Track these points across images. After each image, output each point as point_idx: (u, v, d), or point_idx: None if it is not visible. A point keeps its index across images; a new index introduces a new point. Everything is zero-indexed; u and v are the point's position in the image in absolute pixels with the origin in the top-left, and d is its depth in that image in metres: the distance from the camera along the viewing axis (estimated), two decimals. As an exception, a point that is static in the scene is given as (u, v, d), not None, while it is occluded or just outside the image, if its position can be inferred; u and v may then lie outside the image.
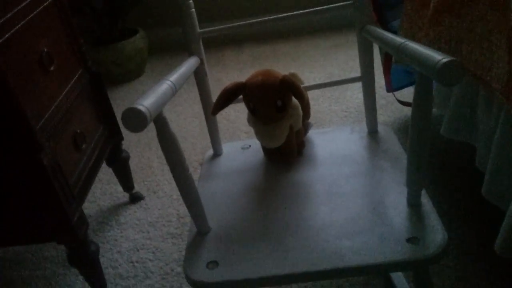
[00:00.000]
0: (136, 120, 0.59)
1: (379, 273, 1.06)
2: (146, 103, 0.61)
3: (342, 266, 0.67)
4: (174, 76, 0.73)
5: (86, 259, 1.04)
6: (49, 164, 0.92)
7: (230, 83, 0.83)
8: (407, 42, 0.67)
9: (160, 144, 0.68)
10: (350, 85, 1.78)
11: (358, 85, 1.75)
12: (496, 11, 0.81)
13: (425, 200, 0.74)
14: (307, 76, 1.96)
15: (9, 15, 0.87)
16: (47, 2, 1.03)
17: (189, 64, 0.85)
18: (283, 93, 0.81)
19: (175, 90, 0.71)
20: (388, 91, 1.49)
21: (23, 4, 0.93)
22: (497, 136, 0.83)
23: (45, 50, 1.00)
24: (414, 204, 0.74)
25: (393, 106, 1.62)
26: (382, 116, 1.57)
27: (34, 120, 0.91)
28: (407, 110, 1.56)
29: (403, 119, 1.56)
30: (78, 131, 1.09)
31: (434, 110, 1.33)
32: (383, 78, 1.44)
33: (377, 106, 1.46)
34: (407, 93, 1.59)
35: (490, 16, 0.83)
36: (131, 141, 1.73)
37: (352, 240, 0.70)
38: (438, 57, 0.57)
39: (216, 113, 0.84)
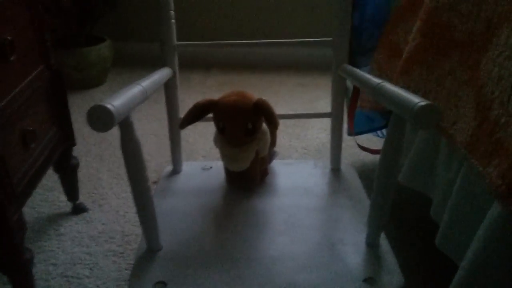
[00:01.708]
0: (103, 118, 0.55)
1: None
2: (116, 103, 0.57)
3: (297, 301, 0.64)
4: (147, 82, 0.71)
5: (18, 266, 0.95)
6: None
7: (203, 99, 0.81)
8: (384, 83, 0.68)
9: (122, 149, 0.64)
10: (312, 124, 1.80)
11: (320, 125, 1.80)
12: (467, 68, 0.85)
13: (384, 242, 0.74)
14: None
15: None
16: (18, -10, 0.98)
17: (162, 74, 0.83)
18: (255, 116, 0.80)
19: (145, 96, 0.68)
20: (349, 134, 1.52)
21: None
22: (455, 189, 0.85)
23: (8, 38, 0.94)
24: (372, 244, 0.73)
25: (352, 150, 1.65)
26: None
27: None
28: (364, 156, 1.59)
29: (360, 164, 1.59)
30: (30, 128, 1.02)
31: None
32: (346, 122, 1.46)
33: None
34: (365, 139, 1.62)
35: (459, 72, 0.87)
36: (82, 150, 1.65)
37: (309, 275, 0.68)
38: (416, 100, 0.59)
39: (184, 127, 0.82)
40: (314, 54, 2.40)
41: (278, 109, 1.96)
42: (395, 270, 0.68)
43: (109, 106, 0.56)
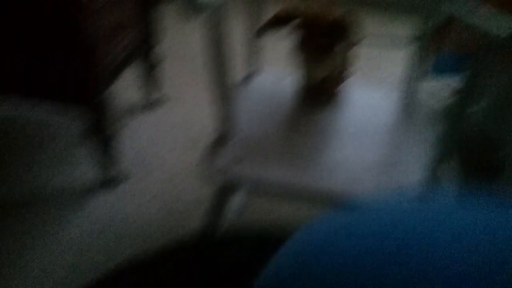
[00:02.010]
0: (197, 4, 0.59)
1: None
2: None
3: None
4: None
5: (105, 134, 1.08)
6: (90, 36, 0.93)
7: (285, 7, 0.81)
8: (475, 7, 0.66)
9: (210, 33, 0.67)
10: (394, 59, 1.75)
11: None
12: None
13: (442, 174, 0.75)
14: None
15: None
16: None
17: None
18: (334, 32, 0.80)
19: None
20: (430, 76, 1.47)
21: None
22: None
23: None
24: (430, 174, 0.74)
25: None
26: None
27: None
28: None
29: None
30: (121, 19, 1.09)
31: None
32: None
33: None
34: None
35: None
36: (167, 48, 1.72)
37: (363, 184, 0.72)
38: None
39: (262, 35, 0.84)
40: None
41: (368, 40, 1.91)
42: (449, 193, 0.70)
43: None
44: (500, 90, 0.99)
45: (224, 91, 0.74)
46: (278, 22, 0.82)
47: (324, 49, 0.81)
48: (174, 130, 1.33)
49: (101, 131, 1.07)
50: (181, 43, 1.78)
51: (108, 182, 1.16)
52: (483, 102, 1.08)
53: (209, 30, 0.67)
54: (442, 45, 1.34)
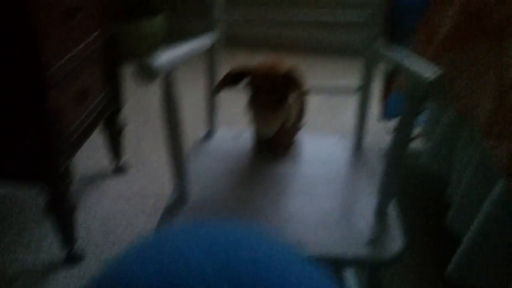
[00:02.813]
0: (149, 70, 0.64)
1: (336, 266, 1.11)
2: (162, 57, 0.66)
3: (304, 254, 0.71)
4: (192, 44, 0.79)
5: (64, 209, 1.07)
6: (52, 108, 0.96)
7: (237, 66, 0.88)
8: (409, 55, 0.73)
9: (163, 101, 0.72)
10: (348, 105, 1.84)
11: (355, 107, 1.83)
12: (493, 55, 0.88)
13: (392, 212, 0.79)
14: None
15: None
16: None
17: (206, 39, 0.91)
18: (285, 85, 0.85)
19: (189, 55, 0.76)
20: (381, 118, 1.55)
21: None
22: (469, 171, 0.89)
23: (71, 4, 1.05)
24: (381, 212, 0.79)
25: (380, 136, 1.68)
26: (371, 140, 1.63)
27: (47, 65, 0.95)
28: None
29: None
30: (84, 87, 1.13)
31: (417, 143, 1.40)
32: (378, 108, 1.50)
33: (369, 129, 1.51)
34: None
35: (486, 58, 0.90)
36: (129, 114, 1.76)
37: (317, 235, 0.75)
38: (432, 69, 0.64)
39: (217, 93, 0.89)
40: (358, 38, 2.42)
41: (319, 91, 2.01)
42: (398, 237, 0.74)
43: (155, 60, 0.64)
44: (443, 130, 1.07)
45: (179, 154, 0.77)
46: (231, 80, 0.88)
47: (276, 103, 0.87)
48: (137, 197, 1.34)
49: (62, 206, 1.07)
50: (144, 106, 1.83)
51: (71, 258, 1.14)
52: (430, 142, 1.15)
53: (163, 94, 0.72)
54: (392, 88, 1.44)
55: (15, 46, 0.91)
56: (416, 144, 1.55)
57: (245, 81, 0.89)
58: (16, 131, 0.99)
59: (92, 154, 1.54)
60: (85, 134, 1.17)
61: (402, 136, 0.72)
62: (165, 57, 0.67)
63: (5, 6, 0.86)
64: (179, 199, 0.81)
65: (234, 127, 1.61)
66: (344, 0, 2.45)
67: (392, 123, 1.59)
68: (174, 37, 2.53)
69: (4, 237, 1.19)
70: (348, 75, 2.24)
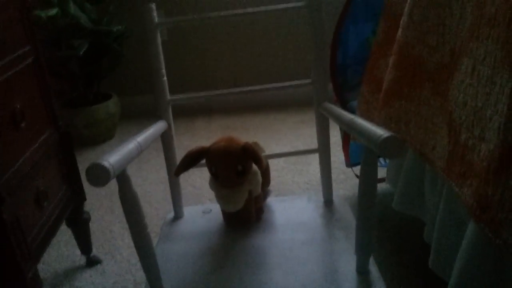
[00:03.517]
0: (100, 175, 0.62)
1: None
2: (111, 159, 0.64)
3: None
4: (141, 137, 0.78)
5: None
6: (8, 219, 0.91)
7: (195, 147, 0.88)
8: (355, 119, 0.75)
9: (121, 200, 0.71)
10: (313, 159, 1.85)
11: (321, 159, 1.85)
12: (438, 96, 0.91)
13: (373, 267, 0.78)
14: (273, 148, 2.03)
15: (-13, 72, 0.91)
16: (27, 62, 1.08)
17: (157, 127, 0.90)
18: (244, 159, 0.86)
19: (140, 150, 0.75)
20: (347, 166, 1.57)
21: (3, 61, 0.98)
22: (440, 211, 0.89)
23: (18, 107, 1.03)
24: (362, 271, 0.77)
25: (352, 181, 1.69)
26: (342, 190, 1.63)
27: (1, 171, 0.92)
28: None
29: (362, 194, 1.63)
30: (41, 188, 1.10)
31: (387, 185, 1.41)
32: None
33: (338, 180, 1.52)
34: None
35: (433, 101, 0.93)
36: (93, 204, 1.72)
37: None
38: (380, 132, 0.64)
39: (179, 174, 0.88)
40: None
41: (281, 147, 2.04)
42: (384, 294, 0.72)
43: (105, 163, 0.63)
44: (407, 173, 1.08)
45: (147, 248, 0.75)
46: (190, 161, 0.88)
47: (237, 178, 0.86)
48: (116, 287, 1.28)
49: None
50: (106, 193, 1.79)
51: None
52: (397, 185, 1.16)
53: (120, 191, 0.70)
54: (350, 139, 1.46)
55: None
56: (386, 186, 1.56)
57: (204, 160, 0.88)
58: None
59: (62, 249, 1.47)
60: (49, 235, 1.12)
61: (366, 189, 0.72)
62: (117, 155, 0.66)
63: None
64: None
65: (202, 203, 1.59)
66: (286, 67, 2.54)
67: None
68: (129, 116, 2.55)
69: None
70: (307, 125, 2.28)
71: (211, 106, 2.60)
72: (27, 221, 1.02)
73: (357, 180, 1.63)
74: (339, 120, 0.82)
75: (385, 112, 1.10)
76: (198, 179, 1.79)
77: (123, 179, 0.69)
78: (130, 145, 0.73)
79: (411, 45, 1.00)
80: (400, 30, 1.00)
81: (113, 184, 0.65)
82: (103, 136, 2.32)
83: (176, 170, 0.88)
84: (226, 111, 2.56)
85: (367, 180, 0.71)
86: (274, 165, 1.75)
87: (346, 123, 0.76)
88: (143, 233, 0.74)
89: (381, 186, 1.57)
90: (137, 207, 0.72)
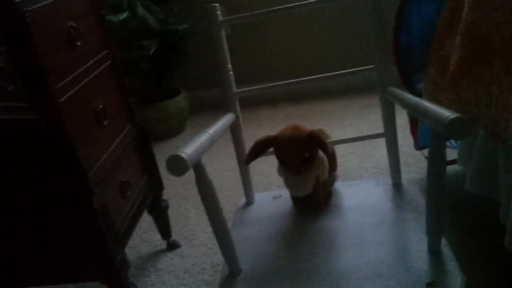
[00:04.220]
0: (179, 165, 0.68)
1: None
2: (188, 151, 0.70)
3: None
4: (212, 129, 0.83)
5: None
6: (98, 208, 1.02)
7: (262, 136, 0.92)
8: (421, 102, 0.75)
9: (198, 188, 0.77)
10: (380, 143, 1.83)
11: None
12: (508, 74, 0.88)
13: (445, 248, 0.78)
14: (339, 134, 2.04)
15: (73, 75, 1.01)
16: (105, 65, 1.18)
17: (226, 119, 0.96)
18: (310, 146, 0.89)
19: (212, 141, 0.80)
20: (416, 149, 1.54)
21: (86, 65, 1.08)
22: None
23: (101, 106, 1.13)
24: (433, 251, 0.78)
25: (422, 163, 1.66)
26: (411, 173, 1.61)
27: (87, 167, 1.02)
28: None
29: (433, 177, 1.60)
30: (125, 179, 1.20)
31: (459, 167, 1.37)
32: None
33: (407, 163, 1.51)
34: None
35: (504, 78, 0.90)
36: (170, 192, 1.82)
37: (374, 284, 0.74)
38: (447, 114, 0.65)
39: (249, 163, 0.93)
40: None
41: (346, 133, 2.04)
42: (457, 273, 0.72)
43: (182, 154, 0.69)
44: (479, 154, 1.06)
45: (223, 231, 0.80)
46: (258, 150, 0.92)
47: (304, 165, 0.89)
48: (195, 269, 1.37)
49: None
50: (183, 183, 1.89)
51: None
52: (469, 167, 1.13)
53: (196, 180, 0.76)
54: (418, 121, 1.44)
55: (56, 156, 0.98)
56: (458, 167, 1.52)
57: (273, 148, 0.92)
58: (68, 234, 1.05)
59: (144, 235, 1.59)
60: (133, 222, 1.22)
61: (435, 171, 0.72)
62: (192, 147, 0.71)
63: (39, 121, 0.94)
64: (231, 273, 0.83)
65: (271, 189, 1.64)
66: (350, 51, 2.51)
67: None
68: (198, 110, 2.66)
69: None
70: (374, 109, 2.25)
71: (276, 96, 2.64)
72: (114, 209, 1.12)
73: (426, 163, 1.60)
74: (404, 104, 0.82)
75: (454, 93, 1.08)
76: (266, 167, 1.84)
77: (199, 169, 0.75)
78: (203, 137, 0.78)
79: (477, 24, 0.97)
80: (466, 9, 0.97)
81: (187, 174, 0.70)
82: (175, 130, 2.44)
83: (246, 158, 0.92)
84: (290, 100, 2.59)
85: (436, 161, 0.72)
86: (340, 150, 1.75)
87: (412, 106, 0.76)
88: (219, 218, 0.79)
89: (453, 168, 1.53)
90: (212, 194, 0.78)
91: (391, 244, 0.83)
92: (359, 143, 1.89)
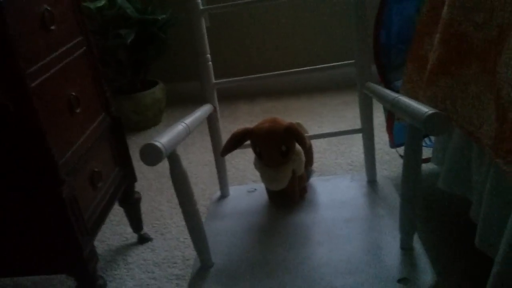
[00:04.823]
0: (153, 154, 0.66)
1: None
2: (163, 140, 0.68)
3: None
4: (189, 119, 0.81)
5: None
6: (67, 197, 0.98)
7: (239, 128, 0.90)
8: (399, 97, 0.75)
9: (172, 179, 0.75)
10: (356, 140, 1.85)
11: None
12: (486, 74, 0.89)
13: (417, 244, 0.78)
14: (316, 131, 2.04)
15: (46, 60, 0.97)
16: (80, 51, 1.15)
17: (203, 110, 0.94)
18: (287, 139, 0.88)
19: (188, 131, 0.78)
20: (391, 147, 1.55)
21: (60, 51, 1.04)
22: (487, 189, 0.88)
23: (73, 94, 1.09)
24: (406, 247, 0.78)
25: (396, 162, 1.67)
26: (386, 171, 1.62)
27: (57, 156, 0.99)
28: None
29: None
30: (96, 169, 1.16)
31: (432, 165, 1.39)
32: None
33: (381, 161, 1.52)
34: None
35: (481, 78, 0.91)
36: (143, 185, 1.79)
37: (346, 279, 0.74)
38: (425, 109, 0.65)
39: (225, 155, 0.91)
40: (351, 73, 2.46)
41: (323, 129, 2.04)
42: (428, 270, 0.73)
43: (157, 143, 0.66)
44: (453, 153, 1.07)
45: (196, 223, 0.78)
46: (235, 142, 0.91)
47: (281, 158, 0.89)
48: (165, 263, 1.35)
49: (93, 285, 1.08)
50: (156, 176, 1.87)
51: None
52: (443, 165, 1.14)
53: (170, 171, 0.74)
54: (395, 119, 1.45)
55: (25, 142, 0.94)
56: (432, 166, 1.54)
57: (248, 142, 0.91)
58: (36, 224, 1.01)
59: (114, 227, 1.56)
60: (103, 214, 1.19)
61: (411, 168, 0.72)
62: (167, 136, 0.70)
63: (8, 106, 0.90)
64: (202, 266, 0.82)
65: (246, 183, 1.63)
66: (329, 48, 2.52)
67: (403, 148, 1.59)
68: (175, 102, 2.62)
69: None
70: (351, 106, 2.26)
71: (254, 91, 2.63)
72: (83, 200, 1.09)
73: (401, 161, 1.62)
74: (383, 99, 0.82)
75: (430, 90, 1.08)
76: (242, 161, 1.82)
77: (173, 159, 0.73)
78: (179, 127, 0.77)
79: (457, 22, 0.97)
80: (445, 8, 0.98)
81: (161, 167, 0.69)
82: (150, 121, 2.40)
83: (222, 150, 0.91)
84: (268, 95, 2.58)
85: (412, 158, 0.72)
86: (316, 146, 1.76)
87: (390, 101, 0.76)
88: (192, 209, 0.77)
89: (427, 167, 1.55)
90: (186, 185, 0.76)
91: (364, 240, 0.83)
92: (335, 140, 1.90)
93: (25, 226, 1.02)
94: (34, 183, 0.98)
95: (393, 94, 0.78)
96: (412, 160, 0.72)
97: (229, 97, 2.51)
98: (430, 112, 0.63)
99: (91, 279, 1.07)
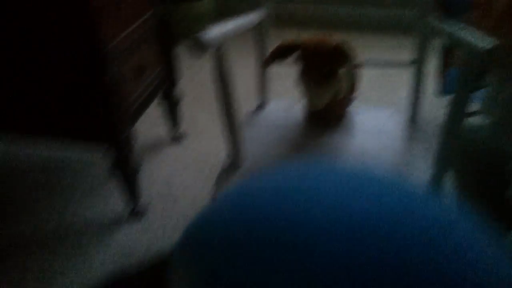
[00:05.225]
0: (200, 44, 0.66)
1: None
2: (210, 33, 0.68)
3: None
4: (240, 20, 0.80)
5: (128, 169, 1.15)
6: (113, 79, 1.02)
7: (286, 39, 0.88)
8: (461, 28, 0.71)
9: (214, 75, 0.75)
10: (403, 83, 1.79)
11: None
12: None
13: (447, 184, 0.78)
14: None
15: None
16: None
17: (257, 13, 0.92)
18: (334, 59, 0.85)
19: (237, 31, 0.77)
20: (438, 95, 1.50)
21: None
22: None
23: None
24: (435, 183, 0.77)
25: (439, 112, 1.63)
26: (427, 114, 1.59)
27: (107, 40, 1.00)
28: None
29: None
30: (140, 63, 1.18)
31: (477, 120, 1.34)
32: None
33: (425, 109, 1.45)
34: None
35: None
36: (184, 90, 1.82)
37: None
38: (487, 42, 0.61)
39: (268, 65, 0.89)
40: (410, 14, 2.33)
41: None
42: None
43: (205, 34, 0.66)
44: (503, 106, 1.02)
45: (233, 122, 0.80)
46: (280, 53, 0.88)
47: (326, 76, 0.86)
48: (194, 163, 1.40)
49: (126, 167, 1.14)
50: (198, 82, 1.88)
51: (134, 214, 1.23)
52: (493, 115, 1.10)
53: (214, 67, 0.74)
54: (450, 63, 1.39)
55: (76, 28, 0.96)
56: (475, 120, 1.48)
57: (295, 54, 0.89)
58: (82, 99, 1.06)
59: (151, 125, 1.61)
60: (144, 105, 1.23)
61: (458, 108, 0.70)
62: (215, 31, 0.69)
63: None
64: (233, 164, 0.84)
65: (286, 99, 1.63)
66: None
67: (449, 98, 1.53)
68: (223, 17, 2.56)
69: (74, 195, 1.30)
70: (403, 51, 2.17)
71: (304, 21, 2.54)
72: (126, 87, 1.12)
73: (442, 111, 1.57)
74: (445, 29, 0.78)
75: (494, 34, 1.02)
76: (283, 75, 1.81)
77: (220, 53, 0.73)
78: (229, 25, 0.76)
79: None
80: None
81: (204, 73, 0.69)
82: (197, 31, 2.37)
83: (266, 60, 0.89)
84: (319, 28, 2.49)
85: (459, 100, 0.69)
86: (363, 81, 1.72)
87: (450, 32, 0.72)
88: (230, 107, 0.78)
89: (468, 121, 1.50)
90: (228, 82, 0.76)
91: (393, 171, 0.83)
92: (382, 78, 1.85)
93: (75, 99, 1.06)
94: (84, 63, 1.01)
95: (454, 26, 0.73)
96: (462, 96, 0.69)
97: (276, 21, 2.44)
98: (491, 45, 0.60)
99: (126, 158, 1.13)
